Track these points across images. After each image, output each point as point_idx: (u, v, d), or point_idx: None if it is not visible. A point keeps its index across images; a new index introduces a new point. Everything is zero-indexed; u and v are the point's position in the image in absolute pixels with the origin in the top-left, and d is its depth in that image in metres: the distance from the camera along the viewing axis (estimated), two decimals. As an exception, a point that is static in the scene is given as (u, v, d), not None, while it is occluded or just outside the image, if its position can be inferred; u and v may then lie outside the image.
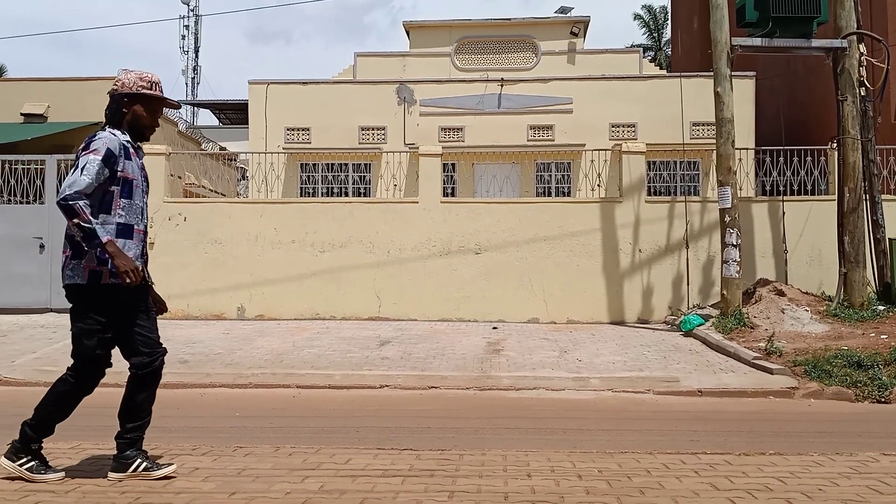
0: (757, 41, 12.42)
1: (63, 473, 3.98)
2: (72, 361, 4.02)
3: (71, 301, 4.02)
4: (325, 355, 10.25)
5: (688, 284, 13.44)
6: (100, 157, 3.89)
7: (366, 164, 18.28)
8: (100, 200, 3.95)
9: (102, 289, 3.91)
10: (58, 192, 13.45)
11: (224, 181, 18.89)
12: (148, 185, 4.27)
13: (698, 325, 11.76)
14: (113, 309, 3.94)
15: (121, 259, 3.81)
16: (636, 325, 13.30)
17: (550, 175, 18.22)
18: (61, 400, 4.00)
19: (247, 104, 19.24)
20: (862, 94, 12.22)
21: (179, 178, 16.26)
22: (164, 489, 3.76)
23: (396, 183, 15.50)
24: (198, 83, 43.06)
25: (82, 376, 3.99)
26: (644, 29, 41.29)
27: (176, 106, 4.32)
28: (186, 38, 43.01)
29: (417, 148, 15.29)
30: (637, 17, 41.35)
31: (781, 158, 13.92)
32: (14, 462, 3.91)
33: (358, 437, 6.29)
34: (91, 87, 17.46)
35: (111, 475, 3.93)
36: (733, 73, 12.41)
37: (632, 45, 35.58)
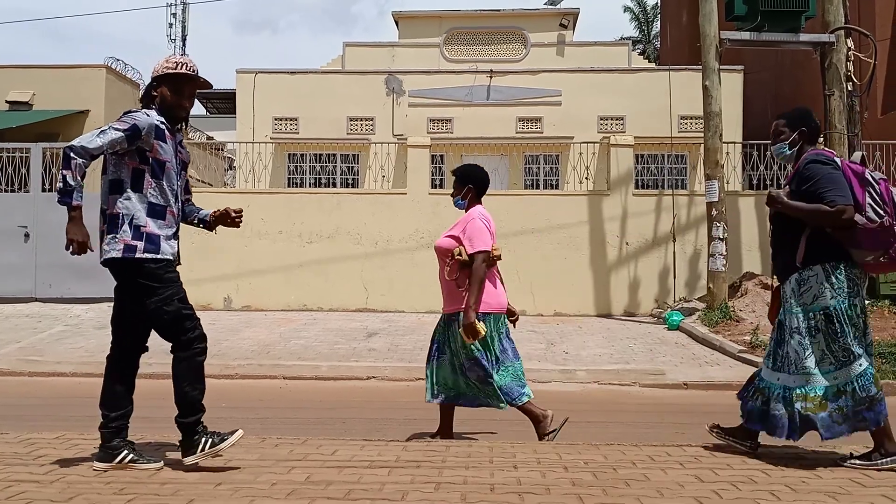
0: (745, 35, 12.45)
1: (240, 432, 3.97)
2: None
3: (118, 279, 4.02)
4: (313, 346, 10.24)
5: (674, 278, 13.49)
6: (121, 129, 3.90)
7: (354, 155, 18.22)
8: (131, 179, 3.96)
9: (141, 263, 3.91)
10: (43, 180, 13.23)
11: (211, 171, 18.80)
12: (185, 167, 4.28)
13: (681, 321, 11.84)
14: (163, 278, 3.96)
15: (73, 227, 3.82)
16: (623, 318, 13.34)
17: (539, 167, 18.22)
18: (192, 375, 3.98)
19: (234, 93, 19.11)
20: (849, 88, 12.27)
21: (166, 167, 16.13)
22: (149, 480, 3.75)
23: (385, 174, 15.46)
24: (185, 72, 42.71)
25: (183, 343, 3.98)
26: (633, 22, 41.29)
27: (207, 85, 4.26)
28: (174, 26, 42.61)
29: (406, 139, 15.26)
30: (627, 9, 41.34)
31: (769, 152, 13.95)
32: (197, 453, 3.88)
33: (345, 428, 6.30)
34: (77, 75, 17.33)
35: (96, 465, 3.91)
36: (721, 67, 12.45)
37: (621, 38, 35.57)
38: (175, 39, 42.63)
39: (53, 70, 17.50)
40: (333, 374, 8.77)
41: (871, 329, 4.35)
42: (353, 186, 17.73)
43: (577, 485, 3.71)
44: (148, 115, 4.01)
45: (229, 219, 4.33)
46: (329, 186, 17.67)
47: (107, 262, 3.98)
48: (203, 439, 3.90)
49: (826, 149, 4.40)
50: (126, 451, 3.92)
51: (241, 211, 4.34)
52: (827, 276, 4.08)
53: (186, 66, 4.11)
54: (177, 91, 4.11)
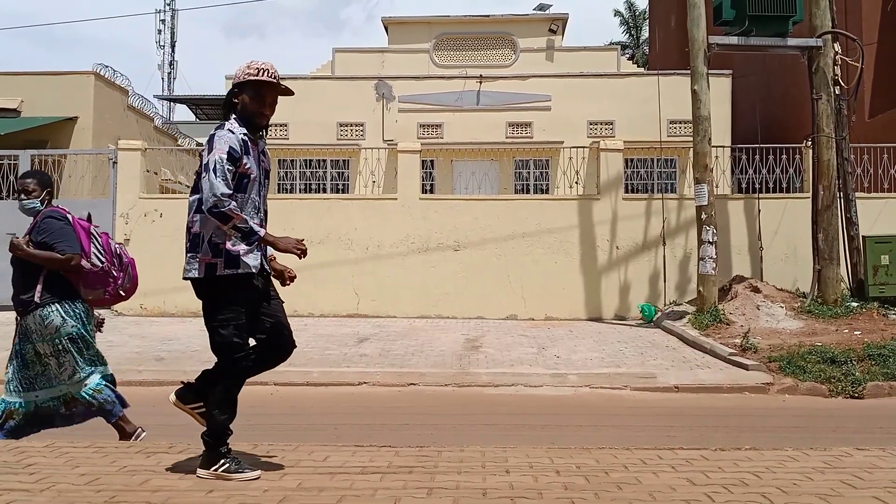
0: (734, 40, 12.50)
1: (259, 473, 3.94)
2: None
3: (197, 296, 4.01)
4: (303, 352, 10.21)
5: (664, 281, 13.53)
6: (224, 155, 3.86)
7: (344, 161, 18.21)
8: None
9: (220, 280, 3.89)
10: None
11: (201, 177, 18.75)
12: (267, 175, 4.22)
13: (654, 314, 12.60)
14: (234, 298, 3.91)
15: (281, 242, 3.88)
16: (613, 321, 13.37)
17: (529, 172, 18.26)
18: (220, 400, 3.95)
19: (224, 99, 19.06)
20: (836, 92, 12.33)
21: (156, 173, 16.12)
22: (139, 487, 3.73)
23: (375, 179, 15.46)
24: (174, 78, 42.57)
25: (226, 369, 3.95)
26: (623, 26, 41.48)
27: (288, 92, 4.20)
28: (163, 32, 42.58)
29: (396, 144, 15.25)
30: (617, 13, 41.54)
31: (757, 156, 14.04)
32: (209, 469, 3.90)
33: (336, 434, 6.28)
34: (65, 82, 17.28)
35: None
36: (710, 72, 12.49)
37: (610, 43, 35.72)
38: (164, 45, 42.62)
39: (42, 77, 17.44)
40: (324, 380, 8.75)
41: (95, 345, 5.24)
42: (343, 192, 17.72)
43: (570, 489, 3.71)
44: (233, 133, 3.95)
45: (281, 279, 4.25)
46: (319, 192, 17.65)
47: (190, 280, 3.99)
48: (221, 460, 3.91)
49: (61, 207, 5.27)
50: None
51: (294, 277, 4.27)
52: (66, 311, 5.03)
53: (268, 73, 4.03)
54: (258, 98, 4.04)
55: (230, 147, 3.89)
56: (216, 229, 3.89)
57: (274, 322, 4.06)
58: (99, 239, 5.18)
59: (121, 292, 5.23)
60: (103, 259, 5.10)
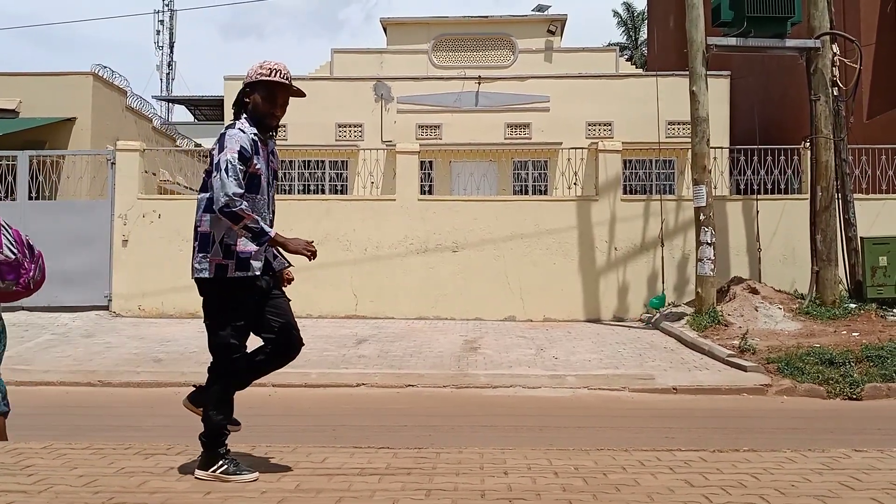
0: (732, 41, 12.51)
1: (257, 474, 3.92)
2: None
3: (200, 294, 3.99)
4: (302, 353, 10.14)
5: (663, 282, 13.53)
6: (236, 155, 3.84)
7: (343, 162, 18.21)
8: None
9: (229, 282, 3.88)
10: (30, 188, 12.98)
11: (199, 178, 18.74)
12: (276, 175, 4.21)
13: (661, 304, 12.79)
14: (241, 300, 3.91)
15: (291, 244, 3.85)
16: (612, 322, 13.37)
17: (527, 173, 18.26)
18: (216, 399, 3.95)
19: (222, 100, 19.06)
20: (835, 93, 12.34)
21: (154, 174, 16.11)
22: (137, 489, 3.73)
23: (373, 180, 15.45)
24: (173, 79, 42.58)
25: (221, 369, 3.95)
26: (622, 27, 41.54)
27: (300, 94, 4.19)
28: (161, 33, 42.58)
29: (395, 145, 15.25)
30: (615, 14, 41.62)
31: (755, 157, 14.04)
32: (207, 471, 3.89)
33: (334, 435, 6.28)
34: (64, 82, 17.25)
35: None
36: (708, 73, 12.49)
37: (609, 44, 35.75)
38: (163, 46, 42.62)
39: (40, 77, 17.42)
40: (323, 382, 8.75)
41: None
42: (341, 193, 17.71)
43: (568, 490, 3.71)
44: (244, 132, 3.93)
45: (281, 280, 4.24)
46: (318, 193, 17.64)
47: (197, 281, 3.97)
48: (220, 462, 3.90)
49: None
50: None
51: (292, 279, 4.26)
52: None
53: (280, 74, 4.03)
54: (269, 99, 4.03)
55: (241, 146, 3.88)
56: (227, 230, 3.87)
57: (283, 322, 4.05)
58: (9, 230, 4.99)
59: (31, 285, 5.02)
60: (15, 250, 4.91)
